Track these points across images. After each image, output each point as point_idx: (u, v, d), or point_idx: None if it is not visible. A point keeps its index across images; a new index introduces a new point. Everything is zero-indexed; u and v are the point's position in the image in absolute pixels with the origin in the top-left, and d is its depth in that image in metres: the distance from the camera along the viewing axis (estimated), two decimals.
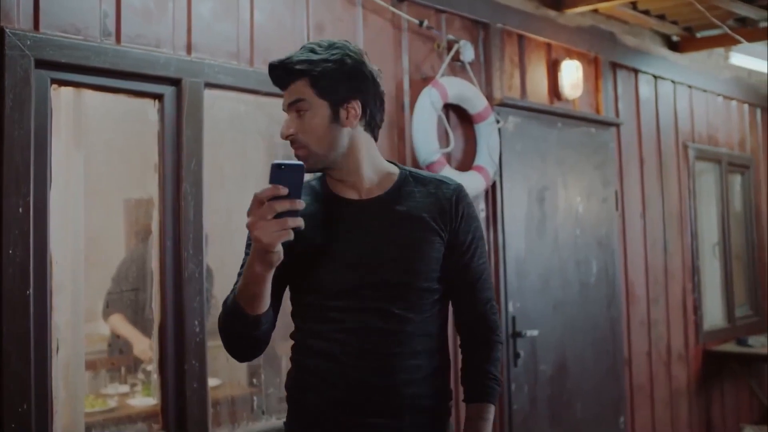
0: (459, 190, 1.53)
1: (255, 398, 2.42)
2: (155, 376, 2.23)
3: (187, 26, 2.34)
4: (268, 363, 2.48)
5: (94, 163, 2.24)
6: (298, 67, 1.41)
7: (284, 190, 1.19)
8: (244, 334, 1.37)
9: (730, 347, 4.63)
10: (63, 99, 2.10)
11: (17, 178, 1.95)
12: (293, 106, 1.43)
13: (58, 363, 2.02)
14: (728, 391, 4.72)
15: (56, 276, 2.03)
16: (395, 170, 1.54)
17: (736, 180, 5.13)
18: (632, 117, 4.15)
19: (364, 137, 1.49)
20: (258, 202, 1.22)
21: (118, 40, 2.18)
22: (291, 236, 1.22)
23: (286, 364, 2.54)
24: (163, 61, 2.23)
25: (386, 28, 2.93)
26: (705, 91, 4.75)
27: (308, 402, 1.46)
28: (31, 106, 1.98)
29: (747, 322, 4.97)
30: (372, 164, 1.51)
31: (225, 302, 1.40)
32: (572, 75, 3.62)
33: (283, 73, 1.43)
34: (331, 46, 1.44)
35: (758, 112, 5.32)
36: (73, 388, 2.12)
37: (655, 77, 4.33)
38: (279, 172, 1.20)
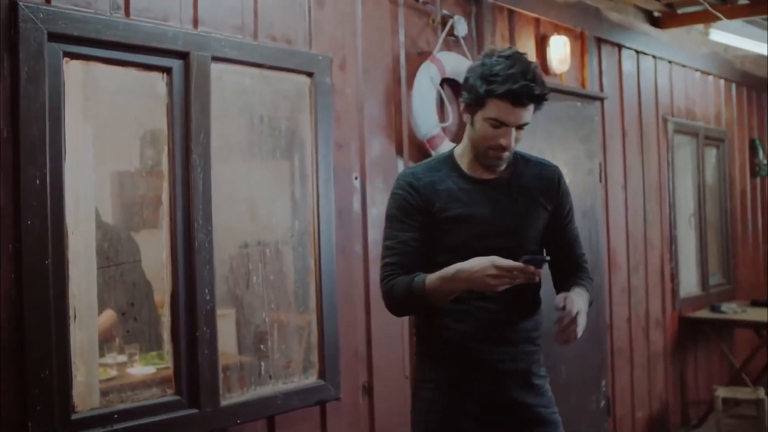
0: (559, 171, 2.01)
1: (262, 363, 2.50)
2: (168, 343, 2.30)
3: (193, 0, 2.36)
4: (273, 330, 2.56)
5: (103, 135, 2.26)
6: None
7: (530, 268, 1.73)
8: (418, 311, 1.93)
9: (704, 313, 4.84)
10: (72, 72, 2.12)
11: (34, 150, 1.98)
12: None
13: (75, 330, 2.07)
14: (702, 355, 4.94)
15: (71, 246, 2.07)
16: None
17: (712, 153, 5.30)
18: (615, 91, 4.26)
19: None
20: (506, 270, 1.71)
21: (127, 13, 2.20)
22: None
23: (290, 331, 2.62)
24: (171, 35, 2.26)
25: (383, 3, 2.97)
26: (684, 66, 4.88)
27: (444, 336, 1.90)
28: (45, 79, 2.00)
29: (720, 290, 5.18)
30: None
31: (406, 285, 1.81)
32: (560, 50, 3.71)
33: None
34: None
35: (733, 87, 5.48)
36: (88, 356, 2.17)
37: (638, 52, 4.45)
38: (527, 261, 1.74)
